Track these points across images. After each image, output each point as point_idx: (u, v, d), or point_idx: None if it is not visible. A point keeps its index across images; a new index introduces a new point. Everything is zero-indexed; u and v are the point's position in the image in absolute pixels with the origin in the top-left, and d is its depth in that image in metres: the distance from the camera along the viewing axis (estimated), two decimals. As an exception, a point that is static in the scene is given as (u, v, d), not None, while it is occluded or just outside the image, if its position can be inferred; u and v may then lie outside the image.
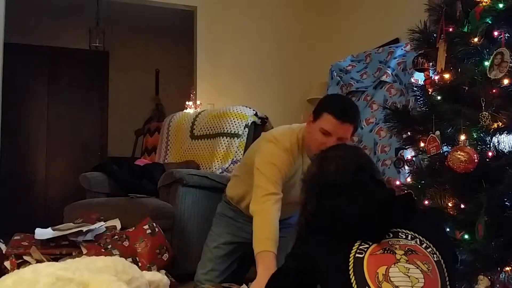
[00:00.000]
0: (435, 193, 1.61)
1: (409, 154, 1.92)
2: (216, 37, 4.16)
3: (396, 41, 3.30)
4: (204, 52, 4.13)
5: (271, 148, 1.76)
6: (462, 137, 1.52)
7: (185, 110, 3.59)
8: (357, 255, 1.02)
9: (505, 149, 1.51)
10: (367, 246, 1.03)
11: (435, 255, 1.04)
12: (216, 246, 1.99)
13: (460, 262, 1.51)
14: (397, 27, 3.18)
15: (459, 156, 1.47)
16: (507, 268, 1.43)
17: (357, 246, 1.04)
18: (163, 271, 1.96)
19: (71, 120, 5.10)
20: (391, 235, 1.05)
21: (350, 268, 0.99)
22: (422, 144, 1.69)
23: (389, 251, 1.02)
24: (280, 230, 1.69)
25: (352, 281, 0.98)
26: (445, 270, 1.03)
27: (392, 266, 0.98)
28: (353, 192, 1.15)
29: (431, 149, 1.59)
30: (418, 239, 1.06)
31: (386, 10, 3.59)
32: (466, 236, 1.49)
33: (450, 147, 1.57)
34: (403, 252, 1.01)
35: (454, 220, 1.54)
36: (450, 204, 1.58)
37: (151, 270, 1.92)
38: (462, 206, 1.54)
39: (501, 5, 1.52)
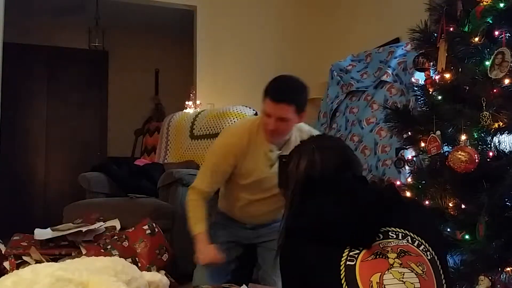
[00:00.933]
0: (436, 193, 1.60)
1: (409, 154, 1.92)
2: (216, 37, 4.15)
3: (396, 40, 3.30)
4: (204, 52, 4.12)
5: (216, 142, 1.96)
6: (463, 137, 1.51)
7: (184, 110, 3.59)
8: (348, 262, 0.96)
9: (506, 149, 1.50)
10: (357, 252, 0.97)
11: (428, 253, 0.99)
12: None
13: (460, 262, 1.51)
14: (398, 27, 3.18)
15: (459, 156, 1.47)
16: (508, 269, 1.43)
17: (347, 253, 0.98)
18: (163, 272, 1.95)
19: (71, 120, 5.09)
20: (381, 236, 1.00)
21: (342, 277, 0.94)
22: (422, 144, 1.68)
23: (381, 256, 0.96)
24: (266, 233, 1.90)
25: None
26: (439, 267, 0.99)
27: (386, 272, 0.94)
28: (336, 193, 1.08)
29: (431, 149, 1.59)
30: (409, 237, 1.01)
31: (387, 10, 3.59)
32: (467, 236, 1.49)
33: (450, 147, 1.57)
34: (395, 255, 0.97)
35: (455, 220, 1.53)
36: (450, 204, 1.57)
37: (150, 271, 1.92)
38: (463, 206, 1.53)
39: (502, 5, 1.52)
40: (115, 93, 5.34)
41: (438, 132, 1.58)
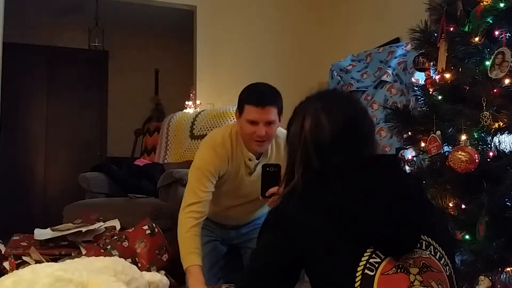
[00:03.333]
0: (436, 193, 1.60)
1: (409, 154, 1.92)
2: (216, 37, 4.15)
3: (396, 40, 3.30)
4: (203, 52, 4.12)
5: (199, 151, 1.82)
6: (463, 137, 1.52)
7: (184, 110, 3.59)
8: (366, 271, 0.84)
9: (506, 149, 1.50)
10: (378, 260, 0.85)
11: (447, 267, 0.91)
12: None
13: (460, 262, 1.51)
14: (398, 27, 3.18)
15: (460, 156, 1.47)
16: (508, 269, 1.43)
17: (367, 257, 0.85)
18: (163, 272, 1.95)
19: (71, 120, 5.09)
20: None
21: (356, 285, 0.84)
22: (423, 144, 1.68)
23: (402, 270, 0.86)
24: (248, 232, 1.90)
25: None
26: (455, 283, 0.92)
27: None
28: (364, 176, 0.90)
29: (432, 149, 1.59)
30: (432, 247, 0.90)
31: (387, 10, 3.59)
32: (467, 237, 1.49)
33: (451, 147, 1.57)
34: (417, 270, 0.87)
35: (455, 220, 1.53)
36: (451, 204, 1.57)
37: (150, 271, 1.91)
38: (463, 206, 1.53)
39: (502, 5, 1.52)
40: (115, 93, 5.34)
41: (438, 132, 1.58)
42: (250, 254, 1.00)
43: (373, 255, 0.86)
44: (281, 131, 1.81)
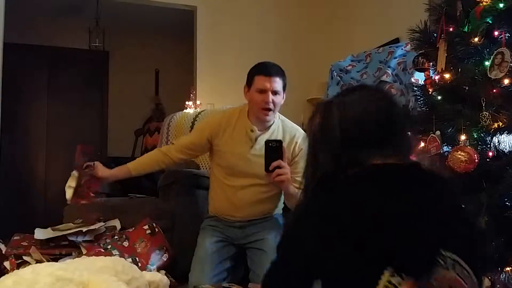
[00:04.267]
0: (436, 193, 1.60)
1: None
2: (216, 37, 4.15)
3: (396, 41, 3.30)
4: (204, 52, 4.12)
5: None
6: (463, 137, 1.52)
7: (185, 110, 3.58)
8: None
9: (506, 149, 1.51)
10: (400, 280, 0.75)
11: (474, 286, 0.80)
12: (203, 248, 1.99)
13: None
14: (397, 27, 3.18)
15: (459, 156, 1.47)
16: (508, 268, 1.43)
17: (386, 278, 0.75)
18: (163, 272, 1.96)
19: (71, 120, 5.09)
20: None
21: None
22: (422, 144, 1.69)
23: None
24: (254, 233, 1.96)
25: None
26: None
27: None
28: (387, 185, 0.82)
29: (431, 149, 1.59)
30: (457, 264, 0.78)
31: (386, 10, 3.59)
32: (467, 236, 1.49)
33: (450, 147, 1.57)
34: None
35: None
36: (450, 204, 1.57)
37: (150, 271, 1.92)
38: (463, 206, 1.53)
39: (501, 5, 1.52)
40: (116, 93, 5.34)
41: (438, 132, 1.59)
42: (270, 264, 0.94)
43: (394, 274, 0.76)
44: (288, 120, 2.05)
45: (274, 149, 1.68)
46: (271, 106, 1.87)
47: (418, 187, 0.85)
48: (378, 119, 0.91)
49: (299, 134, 1.98)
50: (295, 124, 2.06)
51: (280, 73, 1.93)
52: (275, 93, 1.88)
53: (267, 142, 1.72)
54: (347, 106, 0.93)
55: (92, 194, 2.08)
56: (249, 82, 1.94)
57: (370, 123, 0.90)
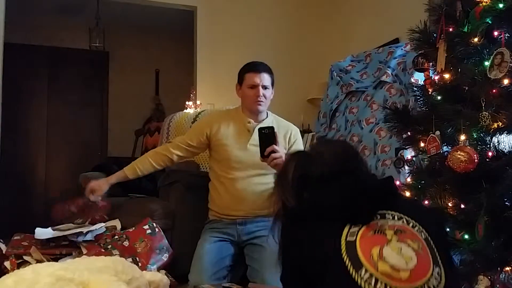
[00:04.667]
0: (435, 193, 1.61)
1: (409, 154, 1.92)
2: (216, 37, 4.16)
3: (396, 41, 3.30)
4: (204, 52, 4.13)
5: None
6: (462, 137, 1.52)
7: (185, 110, 3.59)
8: (348, 238, 1.03)
9: (505, 149, 1.51)
10: (356, 229, 1.04)
11: (422, 233, 1.06)
12: (202, 247, 2.01)
13: (460, 262, 1.51)
14: (397, 27, 3.18)
15: (459, 156, 1.47)
16: (507, 268, 1.43)
17: (347, 230, 1.04)
18: (163, 271, 1.96)
19: (71, 120, 5.10)
20: (379, 217, 1.07)
21: (343, 253, 1.00)
22: (422, 144, 1.69)
23: (379, 232, 1.03)
24: (254, 231, 1.98)
25: (347, 264, 0.99)
26: (433, 246, 1.05)
27: (385, 246, 1.00)
28: (340, 181, 1.14)
29: (431, 149, 1.59)
30: (404, 219, 1.08)
31: (386, 10, 3.59)
32: (466, 236, 1.49)
33: (450, 147, 1.57)
34: (392, 232, 1.03)
35: (454, 220, 1.54)
36: (450, 204, 1.58)
37: (151, 270, 1.92)
38: (462, 206, 1.54)
39: (501, 5, 1.52)
40: (116, 93, 5.34)
41: (438, 132, 1.59)
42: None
43: (352, 227, 1.05)
44: (280, 118, 2.20)
45: (267, 135, 1.80)
46: (262, 99, 2.03)
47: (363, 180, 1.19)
48: None
49: (292, 127, 2.17)
50: (289, 123, 2.22)
51: (268, 70, 2.09)
52: (264, 87, 2.04)
53: (260, 129, 1.84)
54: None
55: (105, 215, 2.16)
56: (240, 80, 2.10)
57: None
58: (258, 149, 1.83)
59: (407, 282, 0.96)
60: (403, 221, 1.07)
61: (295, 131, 2.13)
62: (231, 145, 2.03)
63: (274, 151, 1.78)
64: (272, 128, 1.83)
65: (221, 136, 2.06)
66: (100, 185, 2.10)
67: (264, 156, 1.79)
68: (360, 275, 0.97)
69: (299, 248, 1.10)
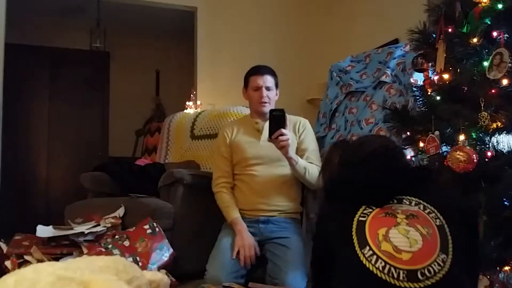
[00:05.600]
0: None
1: (408, 154, 1.92)
2: (216, 38, 4.16)
3: (395, 41, 3.31)
4: (204, 53, 4.13)
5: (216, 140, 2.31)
6: (461, 137, 1.52)
7: (185, 111, 3.60)
8: (360, 218, 1.10)
9: (504, 149, 1.51)
10: (370, 210, 1.11)
11: (437, 220, 1.08)
12: (228, 240, 1.98)
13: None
14: (397, 28, 3.19)
15: (458, 156, 1.48)
16: (506, 268, 1.44)
17: (361, 210, 1.12)
18: (164, 271, 1.96)
19: (72, 121, 5.11)
20: (395, 201, 1.13)
21: (353, 230, 1.08)
22: (421, 144, 1.69)
23: (390, 215, 1.09)
24: (275, 231, 1.99)
25: (354, 241, 1.06)
26: (448, 234, 1.06)
27: (392, 228, 1.05)
28: (369, 166, 1.21)
29: (430, 149, 1.60)
30: (422, 205, 1.12)
31: (386, 11, 3.60)
32: (465, 236, 1.49)
33: (449, 147, 1.58)
34: (404, 216, 1.08)
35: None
36: (449, 204, 1.58)
37: (151, 270, 1.92)
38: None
39: (500, 6, 1.53)
40: (116, 94, 5.35)
41: (437, 132, 1.59)
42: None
43: (367, 208, 1.13)
44: (289, 115, 2.13)
45: (278, 118, 1.89)
46: (266, 99, 2.11)
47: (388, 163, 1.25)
48: None
49: (301, 118, 2.24)
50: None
51: (271, 72, 2.17)
52: (268, 88, 2.12)
53: (271, 111, 1.93)
54: None
55: None
56: (246, 84, 2.19)
57: None
58: (270, 144, 1.92)
59: (407, 263, 1.00)
60: (419, 207, 1.11)
61: (304, 121, 2.20)
62: (244, 144, 2.13)
63: (282, 134, 1.88)
64: (283, 110, 1.91)
65: (236, 139, 2.17)
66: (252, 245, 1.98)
67: (271, 137, 1.89)
68: (364, 252, 1.03)
69: (324, 222, 1.22)
